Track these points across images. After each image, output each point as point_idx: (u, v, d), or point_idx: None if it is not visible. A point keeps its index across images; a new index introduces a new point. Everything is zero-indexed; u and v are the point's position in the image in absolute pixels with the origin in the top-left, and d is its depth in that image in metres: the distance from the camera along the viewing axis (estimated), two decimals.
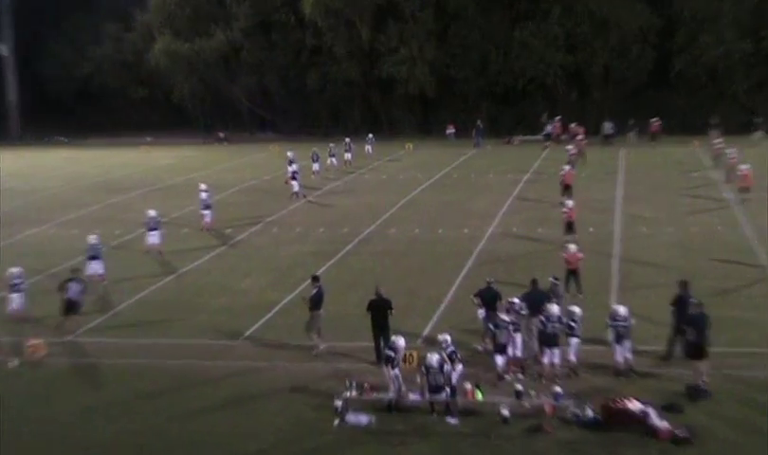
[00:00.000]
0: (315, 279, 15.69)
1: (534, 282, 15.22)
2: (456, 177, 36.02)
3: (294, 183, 31.97)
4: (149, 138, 54.32)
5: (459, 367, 12.99)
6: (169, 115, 61.13)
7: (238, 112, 59.27)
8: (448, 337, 13.18)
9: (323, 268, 21.25)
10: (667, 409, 12.18)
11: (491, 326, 13.97)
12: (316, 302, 15.24)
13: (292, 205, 30.87)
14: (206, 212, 27.35)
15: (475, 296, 15.25)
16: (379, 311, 14.63)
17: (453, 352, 12.99)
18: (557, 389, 12.48)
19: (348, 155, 39.95)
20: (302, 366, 14.92)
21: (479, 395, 12.75)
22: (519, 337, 13.92)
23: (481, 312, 14.99)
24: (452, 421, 12.26)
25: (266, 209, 30.21)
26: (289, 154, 35.47)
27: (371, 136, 44.17)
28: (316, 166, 36.99)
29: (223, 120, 58.60)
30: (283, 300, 18.77)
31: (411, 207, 29.72)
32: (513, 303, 14.19)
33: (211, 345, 16.35)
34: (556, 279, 15.92)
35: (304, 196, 31.87)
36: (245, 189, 35.54)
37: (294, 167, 33.09)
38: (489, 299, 14.93)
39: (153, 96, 61.27)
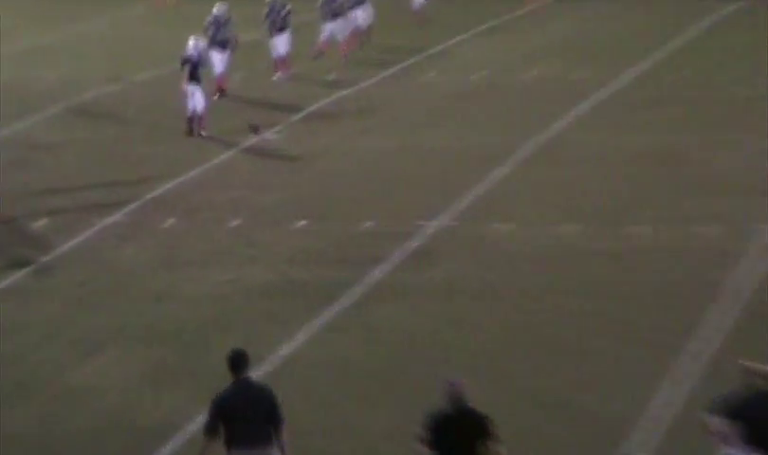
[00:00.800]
0: (235, 364, 15.54)
1: None
2: (677, 84, 37.26)
3: (191, 90, 33.77)
4: None
5: None
6: None
7: None
8: None
9: (304, 331, 21.44)
10: None
11: None
12: (212, 428, 15.58)
13: (220, 154, 32.06)
14: None
15: (717, 412, 15.62)
16: (459, 447, 14.98)
17: None
18: None
19: (361, 18, 42.17)
20: None
21: None
22: None
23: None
24: None
25: (148, 164, 31.54)
26: (216, 9, 36.40)
27: None
28: (280, 45, 39.82)
29: None
30: (193, 418, 18.65)
31: (553, 163, 30.89)
32: None
33: None
34: None
35: (255, 131, 33.40)
36: (86, 108, 36.70)
37: (194, 50, 33.81)
38: (759, 418, 15.37)
39: None
